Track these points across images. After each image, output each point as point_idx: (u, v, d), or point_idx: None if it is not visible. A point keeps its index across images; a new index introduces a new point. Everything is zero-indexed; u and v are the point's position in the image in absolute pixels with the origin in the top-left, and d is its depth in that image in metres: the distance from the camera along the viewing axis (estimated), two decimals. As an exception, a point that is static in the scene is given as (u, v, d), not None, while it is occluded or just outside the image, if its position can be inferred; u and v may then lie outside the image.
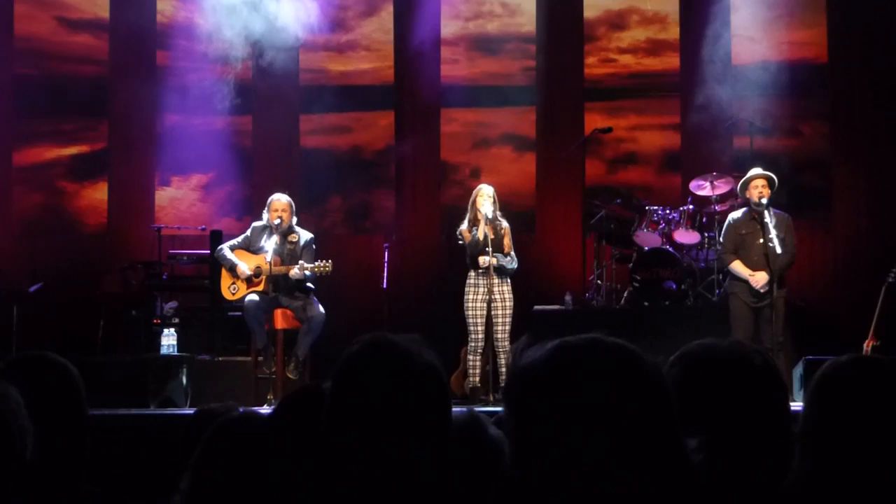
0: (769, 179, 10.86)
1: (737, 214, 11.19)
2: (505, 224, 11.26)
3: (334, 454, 2.47)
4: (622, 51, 14.70)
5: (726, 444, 2.67)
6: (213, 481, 3.06)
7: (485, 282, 11.00)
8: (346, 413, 2.48)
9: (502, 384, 10.60)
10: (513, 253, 11.18)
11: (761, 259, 10.77)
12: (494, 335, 11.03)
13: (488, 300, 11.01)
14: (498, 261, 10.95)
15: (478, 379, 10.98)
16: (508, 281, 11.14)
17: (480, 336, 11.00)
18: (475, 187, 11.48)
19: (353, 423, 2.46)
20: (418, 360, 2.55)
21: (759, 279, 10.78)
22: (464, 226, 11.19)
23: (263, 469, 2.96)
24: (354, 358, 2.55)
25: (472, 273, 11.13)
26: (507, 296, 11.06)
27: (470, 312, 11.07)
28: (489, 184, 11.48)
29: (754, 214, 10.90)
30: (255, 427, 3.15)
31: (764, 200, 10.73)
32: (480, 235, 10.96)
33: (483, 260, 10.95)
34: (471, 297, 11.08)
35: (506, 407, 2.15)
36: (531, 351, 2.14)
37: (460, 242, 11.22)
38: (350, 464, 2.44)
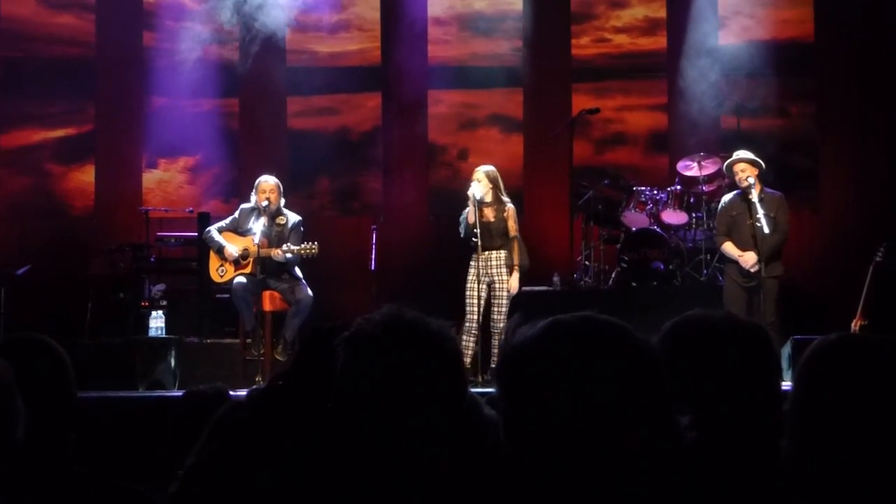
0: (751, 162, 10.87)
1: (729, 196, 11.21)
2: (509, 206, 11.19)
3: (344, 430, 2.44)
4: (618, 30, 14.65)
5: (718, 421, 2.66)
6: (217, 462, 3.05)
7: (483, 265, 10.99)
8: (363, 384, 2.44)
9: (494, 365, 10.61)
10: (520, 239, 11.15)
11: (751, 240, 10.79)
12: (492, 316, 11.04)
13: (488, 283, 11.02)
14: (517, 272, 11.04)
15: (469, 360, 10.97)
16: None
17: (476, 318, 10.96)
18: (463, 168, 11.44)
19: (369, 393, 2.43)
20: (438, 332, 2.51)
21: (748, 259, 10.80)
22: (467, 209, 11.15)
23: (268, 449, 2.95)
24: (374, 327, 2.49)
25: (473, 255, 11.10)
26: (506, 278, 11.06)
27: (469, 293, 11.03)
28: (484, 163, 11.43)
29: (744, 196, 10.91)
30: (256, 407, 3.14)
31: (751, 180, 10.72)
32: (471, 218, 10.93)
33: (513, 286, 11.03)
34: (471, 278, 11.05)
35: (498, 385, 2.14)
36: (523, 330, 2.13)
37: (460, 225, 11.20)
38: (362, 439, 2.41)
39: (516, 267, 11.12)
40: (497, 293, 11.03)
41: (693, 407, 2.65)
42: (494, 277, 11.04)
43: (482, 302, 11.02)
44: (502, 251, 11.11)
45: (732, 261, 10.98)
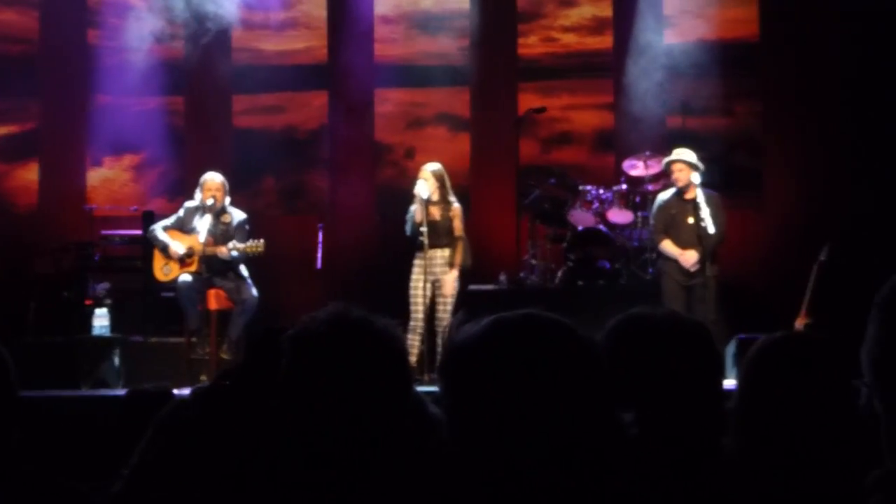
0: (688, 163, 10.91)
1: (665, 195, 11.26)
2: (455, 205, 11.15)
3: (288, 429, 2.44)
4: (566, 29, 14.66)
5: (661, 418, 2.68)
6: (161, 461, 3.04)
7: (427, 263, 10.95)
8: (308, 382, 2.44)
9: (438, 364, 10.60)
10: (465, 239, 11.13)
11: (692, 238, 10.84)
12: (436, 315, 11.02)
13: (433, 281, 11.01)
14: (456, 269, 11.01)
15: (415, 359, 10.95)
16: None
17: (421, 317, 10.95)
18: (410, 167, 11.42)
19: (314, 391, 2.43)
20: (384, 331, 2.51)
21: (689, 258, 10.85)
22: (413, 205, 11.13)
23: (210, 448, 2.94)
24: (318, 325, 2.49)
25: (417, 253, 11.08)
26: (451, 277, 11.04)
27: (413, 293, 11.01)
28: (431, 161, 11.41)
29: (681, 194, 10.97)
30: (200, 407, 3.13)
31: (695, 179, 10.77)
32: (418, 217, 10.90)
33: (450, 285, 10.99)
34: (415, 277, 11.03)
35: (441, 383, 2.14)
36: (466, 327, 2.13)
37: (406, 220, 11.16)
38: (307, 438, 2.41)
39: (456, 266, 11.09)
40: (442, 292, 11.01)
41: (635, 404, 2.67)
42: (439, 276, 11.02)
43: (427, 301, 11.02)
44: (447, 250, 11.10)
45: (671, 259, 11.03)
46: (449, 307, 11.00)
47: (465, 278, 11.57)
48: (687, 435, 2.68)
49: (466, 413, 2.05)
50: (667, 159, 11.19)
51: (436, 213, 11.03)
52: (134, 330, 12.07)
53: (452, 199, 11.18)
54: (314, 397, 2.42)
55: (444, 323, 10.94)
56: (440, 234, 11.01)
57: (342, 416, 2.40)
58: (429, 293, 11.02)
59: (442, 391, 2.14)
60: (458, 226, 11.13)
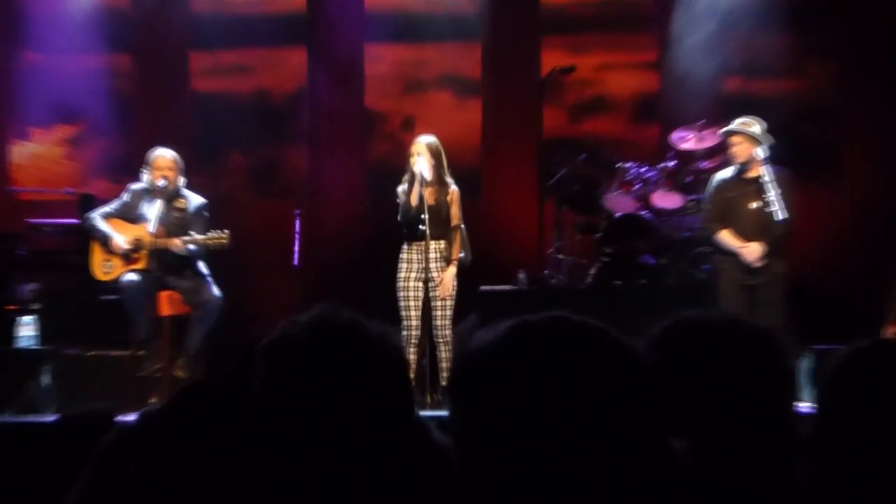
0: (749, 137, 10.88)
1: (724, 175, 11.22)
2: (452, 188, 11.15)
3: (262, 460, 2.42)
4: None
5: (720, 447, 2.66)
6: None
7: (419, 257, 10.95)
8: (286, 404, 2.41)
9: (443, 382, 10.60)
10: (463, 229, 11.12)
11: (754, 227, 10.82)
12: (433, 322, 10.99)
13: (425, 279, 10.98)
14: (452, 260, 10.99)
15: (413, 376, 10.94)
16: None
17: (415, 323, 10.94)
18: (407, 141, 11.40)
19: (293, 414, 2.40)
20: (379, 339, 2.48)
21: (752, 251, 10.83)
22: (402, 186, 11.09)
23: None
24: (300, 333, 2.47)
25: (405, 245, 11.07)
26: (449, 275, 11.01)
27: (402, 294, 11.01)
28: (430, 134, 11.38)
29: (741, 174, 10.95)
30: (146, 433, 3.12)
31: (758, 154, 10.76)
32: (414, 200, 10.87)
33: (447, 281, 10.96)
34: (403, 274, 11.02)
35: (452, 402, 2.13)
36: (482, 333, 2.12)
37: (397, 201, 11.13)
38: (286, 472, 2.39)
39: (454, 261, 11.06)
40: (438, 293, 10.92)
41: (690, 430, 2.65)
42: (433, 273, 10.98)
43: (420, 303, 10.99)
44: (442, 242, 11.07)
45: (729, 253, 11.01)
46: (448, 312, 10.97)
47: (474, 276, 11.56)
48: (752, 467, 2.67)
49: (483, 439, 2.04)
50: (724, 128, 11.15)
51: (429, 196, 10.98)
52: (68, 341, 12.06)
53: (450, 179, 11.16)
54: (294, 422, 2.40)
55: (445, 332, 10.92)
56: (435, 223, 10.96)
57: (329, 447, 2.38)
58: (421, 294, 10.98)
59: (452, 412, 2.12)
60: (455, 213, 11.11)
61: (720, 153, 12.44)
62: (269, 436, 2.41)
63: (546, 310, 2.14)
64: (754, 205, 10.84)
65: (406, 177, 11.08)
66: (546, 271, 12.91)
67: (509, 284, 12.62)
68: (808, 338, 10.71)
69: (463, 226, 11.19)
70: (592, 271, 12.74)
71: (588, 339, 2.06)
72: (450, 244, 11.10)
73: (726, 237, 11.03)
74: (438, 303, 10.99)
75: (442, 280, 10.97)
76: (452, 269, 11.02)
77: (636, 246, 12.41)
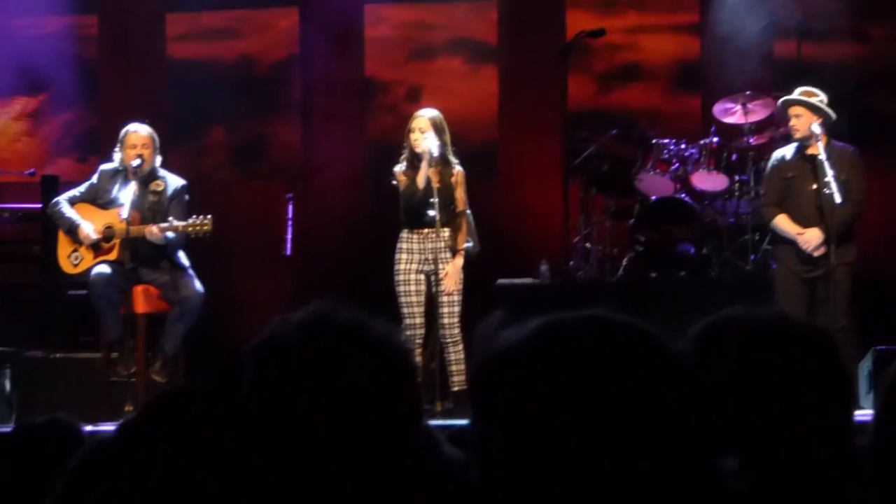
0: (810, 107, 10.85)
1: (784, 152, 11.16)
2: (457, 168, 11.11)
3: (250, 475, 2.44)
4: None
5: (772, 463, 2.68)
6: None
7: (422, 247, 10.94)
8: (277, 412, 2.42)
9: (454, 387, 10.62)
10: (469, 215, 11.11)
11: (814, 211, 10.80)
12: (440, 320, 11.00)
13: (429, 271, 10.97)
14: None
15: (420, 381, 10.90)
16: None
17: (420, 321, 10.94)
18: (413, 113, 11.39)
19: (286, 423, 2.41)
20: (384, 339, 2.49)
21: (810, 238, 10.80)
22: (400, 166, 11.08)
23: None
24: (293, 332, 2.48)
25: (405, 233, 11.05)
26: (456, 267, 11.01)
27: (403, 288, 11.00)
28: (432, 107, 11.36)
29: (803, 151, 10.92)
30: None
31: (816, 129, 10.73)
32: (421, 182, 10.84)
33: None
34: (403, 266, 10.99)
35: (474, 409, 2.14)
36: (507, 333, 2.13)
37: (394, 183, 11.10)
38: (277, 489, 2.41)
39: (460, 251, 11.03)
40: (444, 287, 10.86)
41: (739, 445, 2.66)
42: (438, 265, 10.98)
43: (424, 299, 10.98)
44: (446, 230, 11.04)
45: (788, 241, 10.99)
46: (456, 308, 10.96)
47: (490, 268, 11.58)
48: (807, 485, 2.69)
49: (506, 450, 2.05)
50: (783, 98, 11.09)
51: (432, 177, 10.91)
52: (31, 342, 12.10)
53: (454, 158, 11.12)
54: (285, 436, 2.41)
55: (453, 330, 10.90)
56: (442, 208, 10.89)
57: (326, 465, 2.39)
58: (423, 288, 10.97)
59: (474, 421, 2.13)
60: (461, 196, 11.07)
61: (770, 128, 12.46)
62: (256, 451, 2.42)
63: (572, 306, 2.14)
64: (814, 186, 10.78)
65: (404, 156, 11.05)
66: (572, 262, 12.91)
67: (530, 278, 12.64)
68: (870, 338, 10.72)
69: (469, 211, 11.17)
70: (624, 262, 12.76)
71: (631, 342, 2.06)
72: (455, 232, 11.07)
73: (783, 222, 10.98)
74: (444, 298, 10.94)
75: (447, 272, 10.98)
76: (459, 260, 11.00)
77: (674, 233, 12.40)
